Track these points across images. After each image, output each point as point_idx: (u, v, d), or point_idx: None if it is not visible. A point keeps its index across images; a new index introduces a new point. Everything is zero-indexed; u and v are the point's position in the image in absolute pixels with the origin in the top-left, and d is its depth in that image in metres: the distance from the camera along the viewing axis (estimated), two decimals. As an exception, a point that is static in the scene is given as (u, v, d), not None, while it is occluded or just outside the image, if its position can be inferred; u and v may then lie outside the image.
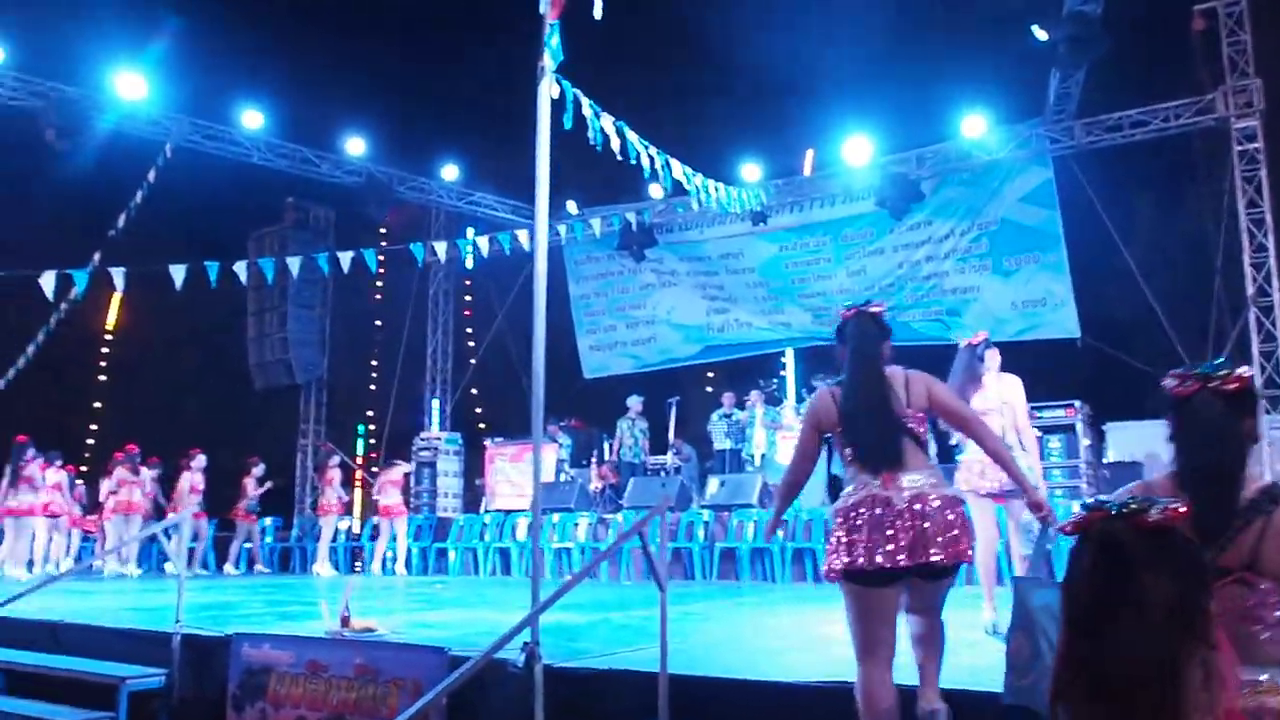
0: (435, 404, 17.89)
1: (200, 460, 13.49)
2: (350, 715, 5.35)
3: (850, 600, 3.38)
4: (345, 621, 5.86)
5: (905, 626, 3.50)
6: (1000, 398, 5.83)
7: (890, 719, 3.32)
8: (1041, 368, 15.59)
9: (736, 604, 8.37)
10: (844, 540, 3.33)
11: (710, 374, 21.95)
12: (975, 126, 13.84)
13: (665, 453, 14.55)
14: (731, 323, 16.30)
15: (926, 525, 3.24)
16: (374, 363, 25.41)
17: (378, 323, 25.02)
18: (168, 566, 13.75)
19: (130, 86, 13.44)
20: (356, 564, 13.91)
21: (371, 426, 23.88)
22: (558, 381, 20.09)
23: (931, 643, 3.51)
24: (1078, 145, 13.59)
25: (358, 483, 18.75)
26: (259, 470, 14.19)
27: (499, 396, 22.39)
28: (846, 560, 3.29)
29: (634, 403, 14.38)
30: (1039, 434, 11.62)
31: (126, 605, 8.94)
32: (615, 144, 6.20)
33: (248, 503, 13.97)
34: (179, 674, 6.20)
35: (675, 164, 7.90)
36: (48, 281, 11.11)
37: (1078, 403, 11.51)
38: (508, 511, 13.54)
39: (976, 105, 13.82)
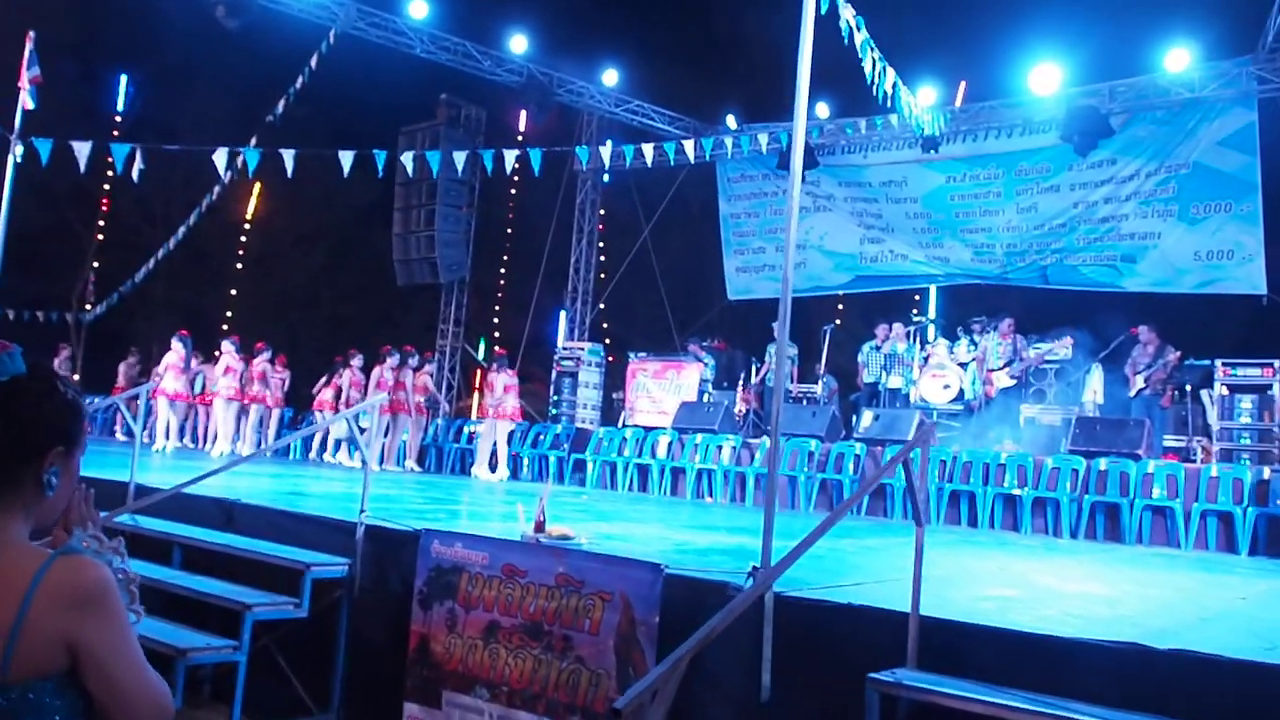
0: (576, 315, 17.69)
1: (416, 360, 13.56)
2: (549, 624, 5.17)
3: None
4: (540, 526, 5.66)
5: None
6: None
7: None
8: (1217, 323, 14.72)
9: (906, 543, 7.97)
10: None
11: (840, 305, 21.33)
12: (1178, 60, 12.84)
13: (815, 382, 14.11)
14: (886, 253, 15.66)
15: None
16: (502, 270, 25.51)
17: (509, 231, 25.06)
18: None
19: (299, -35, 13.28)
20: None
21: (497, 334, 24.02)
22: (700, 300, 19.95)
23: None
24: (1292, 86, 12.52)
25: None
26: (431, 366, 14.28)
27: (631, 311, 22.20)
28: None
29: (781, 328, 13.90)
30: (1226, 391, 10.96)
31: (289, 490, 8.99)
32: (859, 37, 5.74)
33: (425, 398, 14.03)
34: (362, 565, 6.12)
35: (890, 71, 7.35)
36: (220, 158, 11.08)
37: (1278, 362, 10.65)
38: (648, 428, 13.32)
39: (1181, 38, 12.81)
